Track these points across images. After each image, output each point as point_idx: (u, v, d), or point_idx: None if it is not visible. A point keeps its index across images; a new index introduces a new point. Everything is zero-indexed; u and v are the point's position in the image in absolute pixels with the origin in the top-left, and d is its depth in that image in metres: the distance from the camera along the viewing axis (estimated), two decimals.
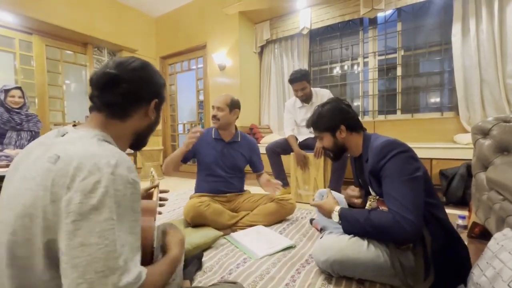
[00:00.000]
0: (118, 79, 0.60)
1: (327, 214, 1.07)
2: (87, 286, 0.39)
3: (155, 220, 0.72)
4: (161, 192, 0.95)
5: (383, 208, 0.94)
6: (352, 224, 0.96)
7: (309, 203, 2.15)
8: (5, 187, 0.52)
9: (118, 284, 0.41)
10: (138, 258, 0.46)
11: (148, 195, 0.86)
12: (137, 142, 0.70)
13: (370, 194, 1.05)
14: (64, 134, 0.55)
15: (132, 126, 0.65)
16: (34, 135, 2.35)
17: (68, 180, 0.44)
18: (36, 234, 0.44)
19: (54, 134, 0.56)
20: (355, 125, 1.08)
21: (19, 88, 2.20)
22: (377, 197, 1.00)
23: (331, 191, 1.18)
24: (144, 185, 0.76)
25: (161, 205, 0.94)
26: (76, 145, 0.51)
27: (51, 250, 0.43)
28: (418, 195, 0.85)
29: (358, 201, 1.13)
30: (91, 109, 0.63)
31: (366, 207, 1.02)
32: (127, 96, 0.61)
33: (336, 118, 1.07)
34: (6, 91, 2.13)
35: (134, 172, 0.51)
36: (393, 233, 0.84)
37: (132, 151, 3.55)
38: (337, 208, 1.02)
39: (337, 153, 1.13)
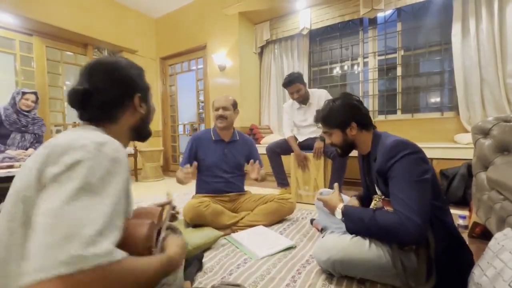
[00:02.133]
0: (89, 93, 0.60)
1: (331, 210, 1.05)
2: (45, 249, 0.37)
3: (159, 228, 0.71)
4: (173, 208, 0.96)
5: (388, 208, 0.93)
6: (356, 222, 0.94)
7: (309, 203, 2.16)
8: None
9: (81, 252, 0.37)
10: (114, 236, 0.43)
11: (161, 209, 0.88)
12: (138, 135, 0.72)
13: (375, 193, 1.04)
14: None
15: (125, 125, 0.66)
16: (37, 138, 2.38)
17: (55, 157, 0.46)
18: (30, 215, 0.44)
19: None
20: (366, 123, 1.05)
21: (34, 93, 2.27)
22: (383, 196, 0.99)
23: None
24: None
25: (172, 220, 0.95)
26: (70, 133, 0.53)
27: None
28: (425, 198, 0.83)
29: None
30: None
31: (371, 206, 1.01)
32: (105, 105, 0.62)
33: (347, 115, 1.03)
34: (23, 94, 2.19)
35: (122, 153, 0.51)
36: (397, 234, 0.83)
37: (131, 152, 3.56)
38: (341, 205, 1.01)
39: (345, 150, 1.10)
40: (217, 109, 1.72)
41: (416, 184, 0.84)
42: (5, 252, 0.45)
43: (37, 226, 0.40)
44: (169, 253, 0.59)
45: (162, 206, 0.91)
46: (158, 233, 0.70)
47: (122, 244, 0.49)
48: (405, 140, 0.92)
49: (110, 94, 0.62)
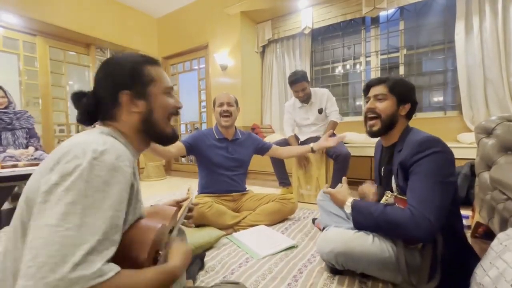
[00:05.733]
0: (80, 95, 0.61)
1: (340, 203, 1.04)
2: (35, 270, 0.36)
3: (172, 228, 0.69)
4: (190, 207, 0.97)
5: (400, 206, 0.91)
6: (365, 216, 0.92)
7: (311, 203, 2.16)
8: None
9: (69, 275, 0.36)
10: (108, 252, 0.42)
11: (178, 207, 0.88)
12: (150, 137, 0.66)
13: (389, 186, 1.02)
14: None
15: (126, 125, 0.62)
16: (29, 132, 2.29)
17: (53, 163, 0.45)
18: (26, 218, 0.45)
19: None
20: (413, 112, 1.03)
21: None
22: (396, 193, 0.97)
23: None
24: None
25: (188, 217, 0.96)
26: (78, 136, 0.52)
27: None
28: (445, 200, 0.81)
29: (374, 198, 1.08)
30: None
31: (381, 202, 1.00)
32: (89, 107, 0.61)
33: (411, 94, 1.01)
34: None
35: (125, 162, 0.49)
36: (406, 230, 0.80)
37: None
38: (350, 199, 0.99)
39: (385, 124, 1.00)
40: (221, 105, 1.69)
41: (440, 185, 0.81)
42: (13, 265, 0.46)
43: (30, 242, 0.39)
44: (171, 265, 0.55)
45: (181, 202, 0.92)
46: (170, 232, 0.68)
47: (127, 250, 0.49)
48: (437, 138, 0.89)
49: (101, 94, 0.61)
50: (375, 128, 1.02)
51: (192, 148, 1.66)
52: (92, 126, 0.65)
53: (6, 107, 2.17)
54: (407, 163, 0.88)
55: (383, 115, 0.99)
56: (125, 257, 0.47)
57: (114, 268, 0.41)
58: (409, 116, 1.02)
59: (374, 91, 1.03)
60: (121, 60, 0.63)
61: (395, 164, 0.97)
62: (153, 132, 0.65)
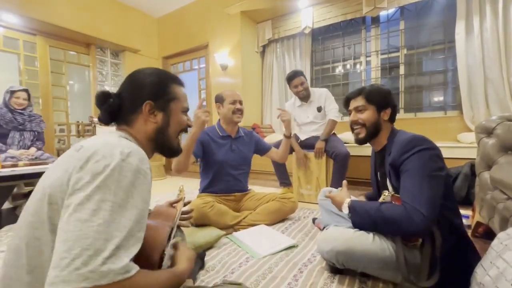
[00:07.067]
0: (105, 95, 0.65)
1: (339, 205, 1.06)
2: (69, 261, 0.38)
3: (173, 228, 0.71)
4: (185, 204, 0.98)
5: (396, 203, 0.93)
6: (362, 215, 0.94)
7: (311, 203, 2.16)
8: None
9: (100, 268, 0.39)
10: (134, 249, 0.44)
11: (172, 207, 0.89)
12: (157, 147, 0.70)
13: (385, 188, 1.04)
14: None
15: (140, 131, 0.66)
16: (37, 136, 2.35)
17: (83, 162, 0.47)
18: (48, 214, 0.46)
19: None
20: (394, 116, 1.09)
21: (25, 90, 2.24)
22: (392, 192, 0.99)
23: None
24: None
25: (184, 219, 0.98)
26: (99, 138, 0.55)
27: (56, 229, 0.44)
28: (436, 194, 0.83)
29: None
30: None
31: (379, 201, 1.01)
32: (120, 108, 0.65)
33: (389, 99, 1.07)
34: (12, 92, 2.17)
35: (147, 165, 0.53)
36: (401, 224, 0.83)
37: None
38: (348, 200, 1.01)
39: (370, 132, 1.07)
40: (234, 102, 1.71)
41: (429, 179, 0.84)
42: (28, 262, 0.46)
43: (62, 235, 0.41)
44: (180, 269, 0.57)
45: (174, 203, 0.93)
46: (170, 233, 0.70)
47: (140, 249, 0.49)
48: (422, 136, 0.93)
49: (125, 99, 0.66)
50: (361, 136, 1.09)
51: (200, 156, 1.65)
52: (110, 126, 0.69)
53: (24, 109, 2.25)
54: (397, 163, 0.93)
55: (367, 124, 1.07)
56: (137, 256, 0.48)
57: (136, 267, 0.44)
58: (392, 119, 1.09)
59: (354, 103, 1.11)
60: (152, 73, 0.68)
61: (386, 166, 1.01)
62: (163, 144, 0.70)
